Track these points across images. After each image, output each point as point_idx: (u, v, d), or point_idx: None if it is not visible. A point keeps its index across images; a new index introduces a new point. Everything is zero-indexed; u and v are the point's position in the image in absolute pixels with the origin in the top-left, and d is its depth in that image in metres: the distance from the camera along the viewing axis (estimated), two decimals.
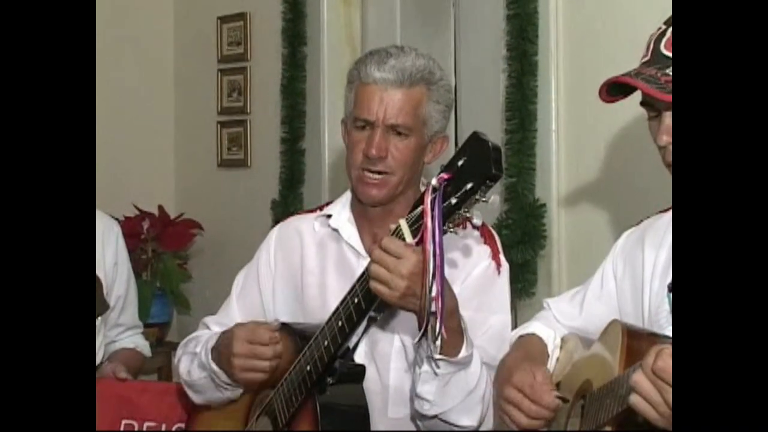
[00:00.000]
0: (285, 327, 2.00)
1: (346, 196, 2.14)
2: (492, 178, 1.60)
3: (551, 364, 1.85)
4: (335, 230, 2.10)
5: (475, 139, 1.63)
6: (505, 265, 2.06)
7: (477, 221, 1.65)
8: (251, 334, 1.92)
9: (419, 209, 1.68)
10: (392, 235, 1.72)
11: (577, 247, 2.93)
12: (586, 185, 2.90)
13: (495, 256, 2.04)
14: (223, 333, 2.02)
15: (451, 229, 1.66)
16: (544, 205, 2.95)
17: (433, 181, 1.64)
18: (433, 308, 1.61)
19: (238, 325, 2.00)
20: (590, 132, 2.87)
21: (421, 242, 1.65)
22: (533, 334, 1.92)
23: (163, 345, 3.99)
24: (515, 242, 2.93)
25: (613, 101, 1.74)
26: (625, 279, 1.82)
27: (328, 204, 2.20)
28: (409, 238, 1.69)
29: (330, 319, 1.89)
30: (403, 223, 1.71)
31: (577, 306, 1.93)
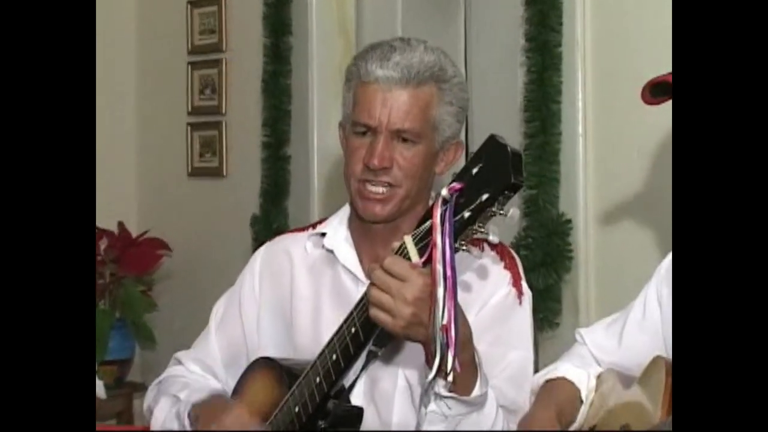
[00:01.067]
0: (270, 363, 2.02)
1: (344, 212, 2.15)
2: (512, 187, 1.61)
3: (584, 411, 1.87)
4: (330, 251, 2.12)
5: (493, 143, 1.65)
6: (527, 293, 2.07)
7: (494, 238, 1.66)
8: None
9: (427, 224, 1.69)
10: (396, 254, 1.74)
11: (608, 269, 2.96)
12: (618, 197, 2.93)
13: (516, 283, 2.05)
14: (207, 403, 2.01)
15: (464, 248, 1.67)
16: (569, 220, 2.98)
17: (444, 192, 1.66)
18: (443, 338, 1.63)
19: (224, 405, 1.97)
20: (624, 136, 2.90)
21: (429, 262, 1.67)
22: (563, 378, 1.94)
23: (124, 386, 3.98)
24: (536, 264, 2.96)
25: (656, 103, 1.73)
26: (671, 306, 1.81)
27: (322, 221, 2.20)
28: (415, 258, 1.71)
29: (323, 352, 1.90)
30: (409, 241, 1.73)
31: (615, 337, 1.94)
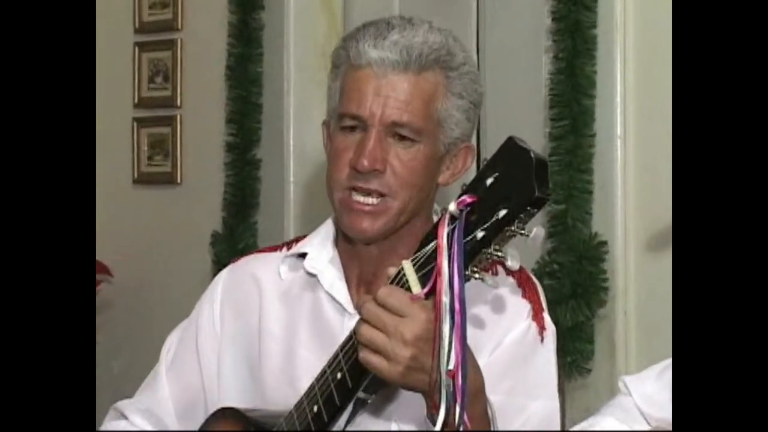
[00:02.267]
0: (235, 415, 2.01)
1: (327, 228, 2.17)
2: (535, 202, 1.62)
3: None
4: (312, 275, 2.12)
5: (512, 147, 1.66)
6: (550, 328, 2.08)
7: (513, 264, 1.67)
8: None
9: (431, 246, 1.70)
10: (392, 283, 1.74)
11: (652, 303, 2.97)
12: (665, 214, 2.92)
13: (537, 315, 2.06)
14: None
15: (477, 275, 1.68)
16: (605, 243, 2.99)
17: (451, 207, 1.66)
18: (450, 387, 1.63)
19: None
20: (671, 139, 2.91)
21: (432, 293, 1.67)
22: None
23: None
24: (563, 297, 2.97)
25: None
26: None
27: (299, 239, 2.21)
28: (416, 288, 1.71)
29: (301, 402, 1.90)
30: (408, 267, 1.73)
31: (668, 388, 1.94)
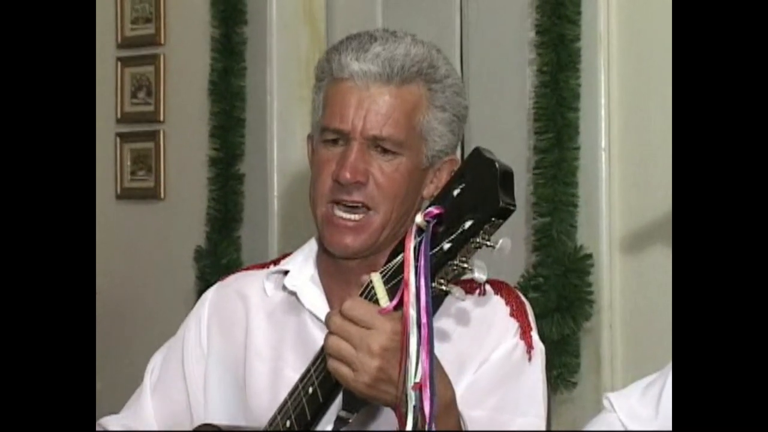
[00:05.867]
0: (213, 430, 2.01)
1: (311, 246, 2.16)
2: (500, 212, 1.62)
3: None
4: (293, 294, 2.12)
5: (478, 158, 1.67)
6: (538, 347, 2.07)
7: (480, 275, 1.67)
8: None
9: (398, 259, 1.71)
10: (361, 295, 1.75)
11: (638, 316, 2.97)
12: (650, 227, 2.94)
13: (525, 334, 2.05)
14: None
15: (444, 287, 1.68)
16: (590, 256, 2.99)
17: (418, 219, 1.67)
18: (417, 400, 1.63)
19: None
20: (657, 151, 2.92)
21: (400, 306, 1.68)
22: None
23: None
24: (548, 310, 2.97)
25: None
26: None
27: (285, 256, 2.21)
28: (384, 300, 1.72)
29: (274, 417, 1.90)
30: (377, 279, 1.74)
31: (652, 403, 1.96)
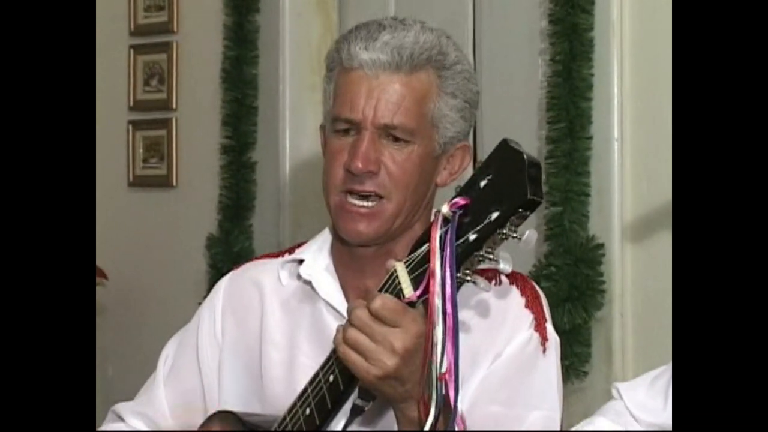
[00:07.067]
0: (231, 418, 2.01)
1: (325, 235, 2.16)
2: (528, 205, 1.63)
3: None
4: (308, 283, 2.11)
5: (505, 149, 1.67)
6: (553, 339, 2.06)
7: (505, 267, 1.67)
8: None
9: (424, 248, 1.70)
10: (385, 284, 1.75)
11: (650, 306, 2.97)
12: (662, 217, 2.94)
13: (539, 326, 2.04)
14: None
15: (469, 279, 1.68)
16: (601, 245, 3.00)
17: (444, 209, 1.67)
18: (442, 390, 1.64)
19: None
20: (669, 141, 2.88)
21: (424, 296, 1.68)
22: None
23: None
24: (560, 300, 2.98)
25: None
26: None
27: (301, 245, 2.20)
28: (408, 290, 1.72)
29: (294, 405, 1.90)
30: (401, 268, 1.74)
31: (660, 395, 1.96)
